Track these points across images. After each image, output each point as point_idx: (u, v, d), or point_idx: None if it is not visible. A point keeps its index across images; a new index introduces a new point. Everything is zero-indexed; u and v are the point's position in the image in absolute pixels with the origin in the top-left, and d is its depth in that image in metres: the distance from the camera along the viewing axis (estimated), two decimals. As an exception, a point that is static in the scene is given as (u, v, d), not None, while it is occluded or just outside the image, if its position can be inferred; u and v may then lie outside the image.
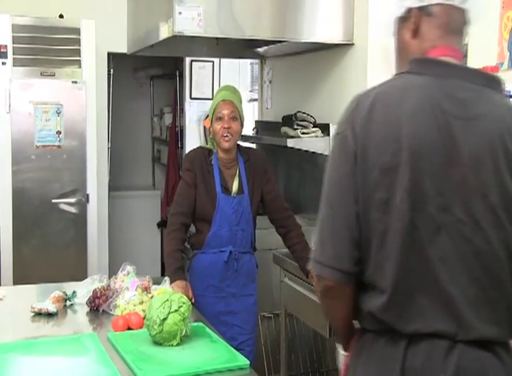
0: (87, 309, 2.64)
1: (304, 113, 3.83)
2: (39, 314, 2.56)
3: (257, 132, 4.70)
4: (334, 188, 1.44)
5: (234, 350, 2.21)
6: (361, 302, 1.45)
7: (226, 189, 3.06)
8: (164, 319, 2.18)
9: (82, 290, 2.72)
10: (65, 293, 2.69)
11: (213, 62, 5.80)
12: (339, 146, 1.45)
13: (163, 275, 3.60)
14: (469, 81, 1.43)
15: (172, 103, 6.40)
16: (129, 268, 2.73)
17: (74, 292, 2.71)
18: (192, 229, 3.15)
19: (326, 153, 3.60)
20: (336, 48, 3.71)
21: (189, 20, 3.28)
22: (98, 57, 4.33)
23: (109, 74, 5.01)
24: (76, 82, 4.17)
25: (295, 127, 3.75)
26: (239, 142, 3.17)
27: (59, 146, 4.14)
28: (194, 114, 5.87)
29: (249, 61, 5.70)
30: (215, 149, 3.10)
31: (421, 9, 1.48)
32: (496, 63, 2.66)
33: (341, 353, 1.69)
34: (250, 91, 5.79)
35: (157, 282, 2.72)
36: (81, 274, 3.69)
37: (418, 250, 1.36)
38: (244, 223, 3.06)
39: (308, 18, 3.54)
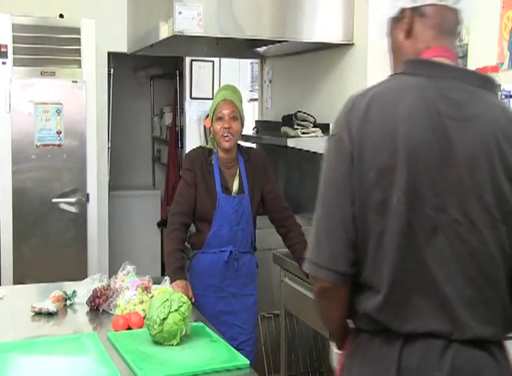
0: (87, 308, 2.64)
1: (304, 112, 3.83)
2: (39, 314, 2.56)
3: (257, 132, 4.70)
4: (330, 189, 1.44)
5: (234, 350, 2.21)
6: (356, 303, 1.46)
7: (226, 189, 3.06)
8: (164, 318, 2.18)
9: (82, 289, 2.72)
10: (65, 292, 2.69)
11: (213, 61, 5.80)
12: (335, 147, 1.45)
13: (163, 274, 3.60)
14: (463, 82, 1.44)
15: (172, 103, 6.40)
16: (129, 267, 2.73)
17: (74, 292, 2.71)
18: (193, 228, 3.15)
19: (326, 152, 3.60)
20: (336, 48, 3.71)
21: (189, 20, 3.28)
22: (98, 57, 4.34)
23: (109, 74, 5.01)
24: (76, 82, 4.17)
25: (295, 127, 3.75)
26: (239, 142, 3.17)
27: (59, 146, 4.14)
28: (194, 114, 5.87)
29: (249, 61, 5.70)
30: (215, 148, 3.10)
31: (414, 9, 1.48)
32: (496, 63, 2.66)
33: (335, 351, 1.70)
34: (250, 90, 5.79)
35: (157, 281, 2.72)
36: (81, 274, 3.69)
37: (415, 250, 1.37)
38: (244, 223, 3.06)
39: (308, 18, 3.54)
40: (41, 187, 4.13)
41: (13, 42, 4.05)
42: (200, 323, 2.43)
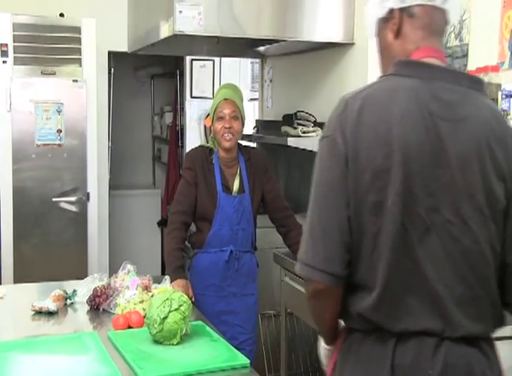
0: (87, 307, 2.64)
1: (304, 112, 3.83)
2: (39, 313, 2.56)
3: (257, 131, 4.70)
4: (325, 191, 1.43)
5: (234, 349, 2.21)
6: (349, 303, 1.46)
7: (227, 189, 3.06)
8: (165, 318, 2.18)
9: (83, 288, 2.72)
10: (65, 291, 2.69)
11: (213, 61, 5.80)
12: (328, 148, 1.45)
13: (163, 274, 3.60)
14: (454, 83, 1.44)
15: (173, 102, 6.40)
16: (129, 267, 2.74)
17: (75, 291, 2.71)
18: (193, 228, 3.15)
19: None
20: (336, 47, 3.71)
21: (189, 19, 3.28)
22: (98, 56, 4.34)
23: (109, 73, 5.01)
24: (76, 81, 4.17)
25: (295, 126, 3.75)
26: (239, 141, 3.17)
27: (59, 145, 4.14)
28: (194, 113, 5.87)
29: (249, 60, 5.70)
30: (216, 148, 3.09)
31: (403, 9, 1.48)
32: (497, 62, 2.66)
33: (322, 345, 1.71)
34: (251, 90, 5.79)
35: (158, 281, 2.73)
36: (81, 273, 3.70)
37: (408, 251, 1.38)
38: (245, 222, 3.06)
39: (308, 17, 3.54)
40: (42, 186, 4.13)
41: (14, 41, 4.05)
42: (200, 322, 2.43)
